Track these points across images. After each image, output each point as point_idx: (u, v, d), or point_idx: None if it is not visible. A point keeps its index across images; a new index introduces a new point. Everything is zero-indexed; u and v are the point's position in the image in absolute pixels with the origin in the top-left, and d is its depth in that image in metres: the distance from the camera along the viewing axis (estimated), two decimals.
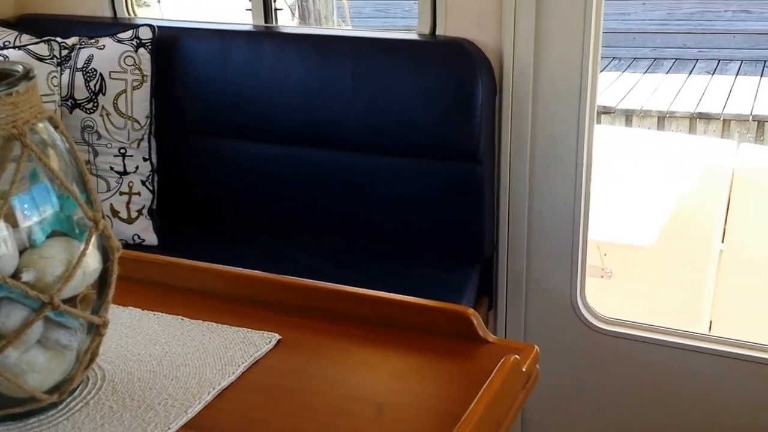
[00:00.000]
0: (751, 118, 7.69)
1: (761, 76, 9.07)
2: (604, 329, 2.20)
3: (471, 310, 1.25)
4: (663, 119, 7.75)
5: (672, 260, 3.46)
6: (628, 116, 8.04)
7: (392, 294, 1.29)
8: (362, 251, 2.27)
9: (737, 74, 9.19)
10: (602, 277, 3.50)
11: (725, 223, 3.47)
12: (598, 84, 2.05)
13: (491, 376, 1.06)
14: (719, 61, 9.75)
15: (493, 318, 2.31)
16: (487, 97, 2.02)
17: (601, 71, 9.75)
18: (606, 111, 8.20)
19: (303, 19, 8.15)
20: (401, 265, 2.19)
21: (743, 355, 2.04)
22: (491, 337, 1.22)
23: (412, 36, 2.13)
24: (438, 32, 2.08)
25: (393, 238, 2.26)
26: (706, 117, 7.78)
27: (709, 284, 3.49)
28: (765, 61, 9.64)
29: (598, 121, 8.27)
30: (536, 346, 1.21)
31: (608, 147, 3.76)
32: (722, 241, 3.49)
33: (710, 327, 3.52)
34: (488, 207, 2.15)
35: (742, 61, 9.71)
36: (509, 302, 2.28)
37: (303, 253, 2.23)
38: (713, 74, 9.23)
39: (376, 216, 2.25)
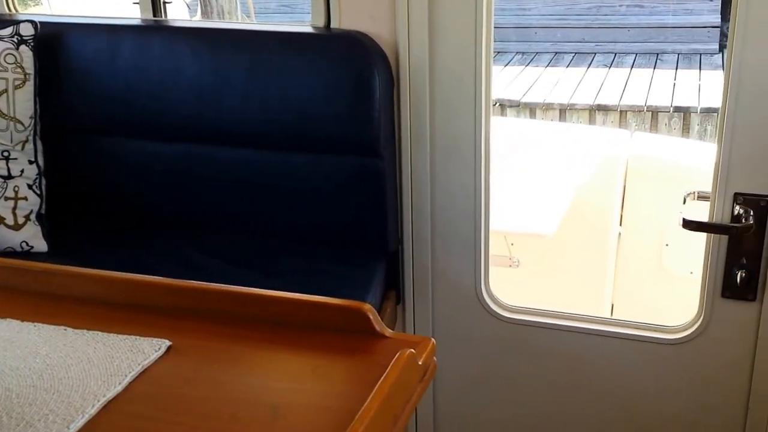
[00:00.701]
0: (645, 108, 7.93)
1: (654, 68, 9.38)
2: (509, 318, 2.21)
3: (367, 306, 1.22)
4: (564, 111, 7.93)
5: (574, 247, 3.52)
6: (532, 109, 8.20)
7: (286, 293, 1.26)
8: (264, 250, 2.22)
9: (632, 67, 9.47)
10: (510, 266, 3.55)
11: (622, 209, 3.55)
12: (492, 75, 2.05)
13: (386, 370, 1.04)
14: (615, 54, 10.04)
15: (401, 312, 2.29)
16: (385, 90, 1.99)
17: (506, 66, 9.96)
18: (511, 104, 8.34)
19: (205, 14, 8.00)
20: (305, 263, 2.15)
21: (645, 336, 2.08)
22: (388, 332, 1.20)
23: (307, 29, 2.10)
24: (333, 25, 2.05)
25: (296, 235, 2.22)
26: (604, 109, 8.00)
27: (609, 268, 3.57)
28: (657, 54, 9.97)
29: (504, 114, 8.39)
30: (432, 339, 1.20)
31: (513, 139, 3.80)
32: (620, 225, 3.57)
33: (612, 310, 3.61)
34: (391, 201, 2.13)
35: (636, 54, 10.03)
36: (416, 295, 2.26)
37: (203, 255, 2.17)
38: (610, 67, 9.49)
39: (277, 214, 2.20)
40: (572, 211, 3.43)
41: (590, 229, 3.54)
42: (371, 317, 1.19)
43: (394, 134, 2.10)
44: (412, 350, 1.08)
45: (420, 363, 1.10)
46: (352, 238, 2.18)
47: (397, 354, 1.06)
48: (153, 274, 2.09)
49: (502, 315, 2.22)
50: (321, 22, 2.07)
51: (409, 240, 2.20)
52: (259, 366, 1.13)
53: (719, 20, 9.93)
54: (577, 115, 8.01)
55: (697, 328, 2.02)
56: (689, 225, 1.91)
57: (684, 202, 2.08)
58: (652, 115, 7.90)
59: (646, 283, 3.54)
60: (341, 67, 1.99)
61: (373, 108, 1.99)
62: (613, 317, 2.14)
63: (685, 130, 7.88)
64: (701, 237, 3.38)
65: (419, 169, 2.13)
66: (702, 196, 2.06)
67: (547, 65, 9.75)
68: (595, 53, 10.13)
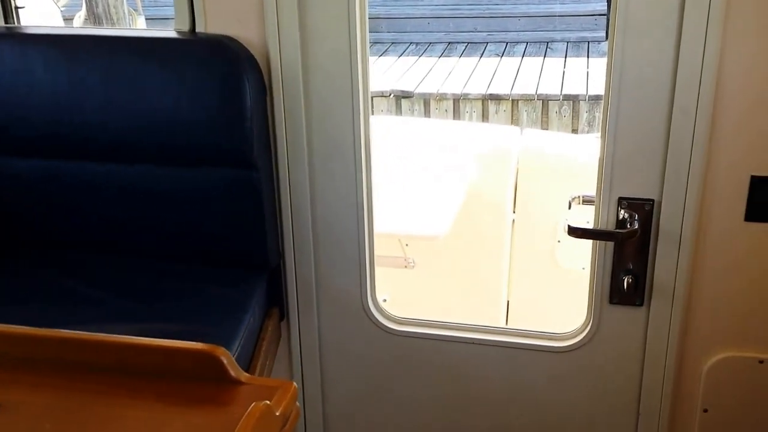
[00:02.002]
0: (536, 97, 8.02)
1: (544, 56, 9.51)
2: (398, 330, 2.13)
3: (220, 350, 1.11)
4: (458, 102, 7.94)
5: (469, 245, 3.48)
6: (426, 100, 8.18)
7: (131, 337, 1.13)
8: (135, 271, 2.07)
9: (523, 56, 9.58)
10: (406, 267, 3.48)
11: (514, 205, 3.53)
12: (370, 76, 1.96)
13: (239, 425, 0.93)
14: (507, 43, 10.13)
15: (285, 329, 2.18)
16: (256, 97, 1.87)
17: (400, 56, 9.90)
18: (405, 95, 8.30)
19: (90, 10, 7.66)
20: (179, 285, 2.01)
21: (536, 345, 2.04)
22: (244, 377, 1.09)
23: (170, 34, 1.95)
24: (198, 29, 1.91)
25: (170, 255, 2.08)
26: (496, 98, 8.05)
27: (504, 266, 3.55)
28: (547, 43, 10.12)
29: (398, 107, 8.30)
30: (294, 384, 1.10)
31: (404, 138, 3.73)
32: (513, 223, 3.55)
33: (507, 307, 3.60)
34: (270, 214, 2.01)
35: (527, 42, 10.15)
36: (301, 311, 2.16)
37: (72, 280, 2.01)
38: (502, 56, 9.57)
39: (149, 232, 2.06)
40: (466, 209, 3.38)
41: (484, 227, 3.50)
42: (225, 362, 1.08)
43: (269, 143, 1.99)
44: (267, 402, 0.97)
45: (278, 413, 0.99)
46: (231, 255, 2.05)
47: (251, 407, 0.95)
48: (18, 305, 1.97)
49: (390, 328, 2.13)
50: (186, 26, 1.93)
51: (291, 254, 2.09)
52: (96, 424, 1.00)
53: (606, 8, 10.13)
54: (470, 105, 8.03)
55: (586, 335, 1.98)
56: (574, 232, 1.86)
57: (569, 207, 2.03)
58: (543, 104, 8.00)
59: (541, 279, 3.54)
60: (207, 74, 1.86)
61: (244, 116, 1.87)
62: (502, 326, 2.08)
63: (575, 117, 8.01)
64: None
65: (298, 178, 2.02)
66: (587, 201, 2.02)
67: (441, 55, 9.77)
68: (487, 43, 10.21)
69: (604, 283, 1.92)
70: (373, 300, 2.13)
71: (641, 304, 1.91)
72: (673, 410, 1.98)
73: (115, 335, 1.13)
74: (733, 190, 1.77)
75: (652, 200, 1.83)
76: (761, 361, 1.88)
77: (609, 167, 1.83)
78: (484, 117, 8.05)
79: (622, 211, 1.85)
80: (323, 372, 2.22)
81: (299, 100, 1.94)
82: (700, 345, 1.91)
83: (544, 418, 2.10)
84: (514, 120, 8.02)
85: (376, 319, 2.13)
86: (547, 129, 7.98)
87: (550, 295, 3.52)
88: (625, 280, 1.89)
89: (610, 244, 1.89)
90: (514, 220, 3.53)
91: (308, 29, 1.88)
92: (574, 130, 7.92)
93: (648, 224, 1.84)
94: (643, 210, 1.84)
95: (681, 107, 1.73)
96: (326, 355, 2.20)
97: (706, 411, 1.95)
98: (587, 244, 3.47)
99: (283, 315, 2.17)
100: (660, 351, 1.93)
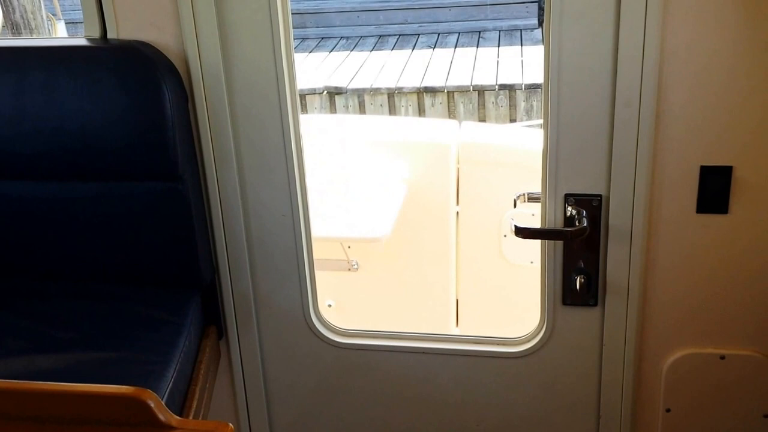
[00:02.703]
0: (471, 88, 7.98)
1: (477, 46, 9.48)
2: (342, 343, 2.03)
3: (147, 393, 0.99)
4: (393, 96, 7.85)
5: (415, 244, 3.40)
6: (360, 96, 8.07)
7: (50, 385, 1.00)
8: (60, 295, 1.93)
9: (456, 46, 9.53)
10: (350, 269, 3.38)
11: (457, 199, 3.46)
12: (298, 74, 1.84)
13: None
14: (439, 34, 10.07)
15: (225, 348, 2.05)
16: (177, 104, 1.74)
17: (330, 51, 9.77)
18: (338, 92, 8.18)
19: (6, 16, 7.36)
20: (109, 307, 1.88)
21: (489, 351, 1.95)
22: (175, 420, 0.97)
23: (81, 41, 1.80)
24: (110, 35, 1.77)
25: (97, 276, 1.94)
26: (432, 90, 7.98)
27: (451, 263, 3.47)
28: (479, 32, 10.09)
29: (332, 104, 8.18)
30: (231, 426, 0.98)
31: (339, 138, 3.62)
32: (457, 219, 3.47)
33: (457, 305, 3.52)
34: (200, 228, 1.89)
35: (459, 33, 10.10)
36: (240, 328, 2.04)
37: None
38: (434, 48, 9.51)
39: (74, 253, 1.92)
40: (407, 207, 3.29)
41: (428, 224, 3.42)
42: (153, 406, 0.97)
43: (193, 152, 1.86)
44: None
45: None
46: (161, 273, 1.92)
47: None
48: None
49: (334, 340, 2.02)
50: (96, 33, 1.78)
51: (225, 268, 1.97)
52: None
53: None
54: (405, 99, 7.95)
55: (540, 339, 1.90)
56: (522, 232, 1.77)
57: (515, 206, 1.95)
58: (479, 95, 7.96)
59: (489, 276, 3.47)
60: (122, 83, 1.72)
61: (165, 125, 1.74)
62: (454, 334, 1.99)
63: (512, 107, 7.98)
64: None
65: (228, 189, 1.89)
66: (533, 198, 1.93)
67: (372, 49, 9.66)
68: (419, 34, 10.14)
69: (556, 284, 1.84)
70: (315, 312, 2.02)
71: (595, 304, 1.84)
72: (634, 412, 1.91)
73: (31, 382, 1.00)
74: (682, 181, 1.71)
75: (600, 196, 1.75)
76: (722, 357, 1.82)
77: (554, 163, 1.75)
78: (420, 110, 7.98)
79: (570, 208, 1.77)
80: (267, 390, 2.10)
81: (223, 104, 1.82)
82: (658, 343, 1.84)
83: (502, 426, 2.01)
84: (451, 112, 7.97)
85: (320, 332, 2.02)
86: (484, 120, 7.95)
87: (499, 291, 3.45)
88: (578, 279, 1.81)
89: (560, 244, 1.81)
90: (458, 215, 3.45)
91: (228, 29, 1.75)
92: (512, 120, 7.90)
93: (597, 221, 1.77)
94: (591, 206, 1.76)
95: (624, 99, 1.66)
96: (270, 373, 2.08)
97: (668, 411, 1.89)
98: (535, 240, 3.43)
99: (222, 333, 2.04)
100: (618, 351, 1.86)
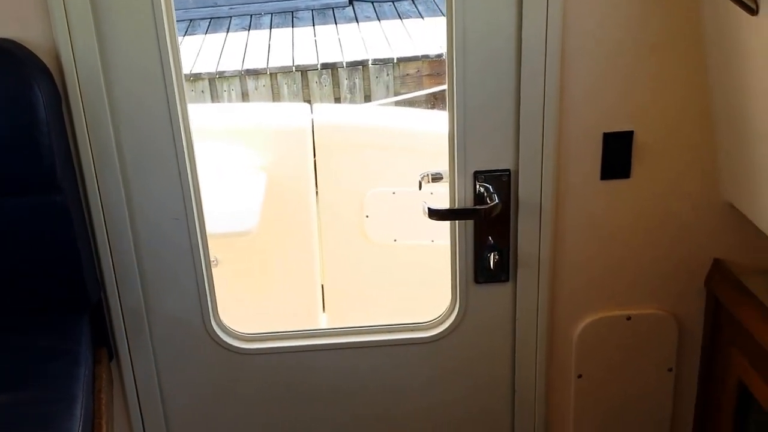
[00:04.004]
0: (294, 68, 7.87)
1: (292, 26, 9.36)
2: (248, 348, 1.91)
3: None
4: (214, 81, 7.59)
5: (277, 233, 3.29)
6: None
7: None
8: None
9: (270, 27, 9.36)
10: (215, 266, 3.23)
11: (316, 184, 3.38)
12: (182, 67, 1.70)
13: None
14: (251, 16, 9.85)
15: (116, 370, 1.88)
16: (51, 107, 1.56)
17: None
18: None
19: None
20: None
21: (402, 339, 1.90)
22: None
23: None
24: None
25: None
26: (254, 73, 7.79)
27: (315, 247, 3.39)
28: (293, 12, 9.97)
29: None
30: None
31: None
32: (317, 202, 3.40)
33: (323, 291, 3.46)
34: (83, 241, 1.70)
35: (272, 13, 9.93)
36: (132, 347, 1.87)
37: None
38: (249, 30, 9.29)
39: None
40: (268, 196, 3.17)
41: (289, 212, 3.32)
42: None
43: (71, 159, 1.67)
44: None
45: None
46: (45, 295, 1.73)
47: None
48: None
49: (239, 347, 1.91)
50: None
51: (112, 284, 1.80)
52: None
53: None
54: (227, 83, 7.72)
55: (454, 320, 1.87)
56: (435, 215, 1.73)
57: (420, 188, 1.90)
58: (302, 75, 7.87)
59: (353, 258, 3.42)
60: None
61: (39, 131, 1.55)
62: (367, 325, 1.91)
63: (336, 86, 7.95)
64: (400, 207, 3.35)
65: (111, 196, 1.72)
66: (436, 178, 1.90)
67: (185, 34, 9.29)
68: (231, 17, 9.87)
69: (468, 265, 1.82)
70: (216, 320, 1.89)
71: (507, 280, 1.83)
72: (548, 382, 1.93)
73: None
74: (587, 150, 1.72)
75: (509, 170, 1.74)
76: (629, 318, 1.87)
77: (461, 141, 1.71)
78: (243, 95, 7.78)
79: (479, 186, 1.75)
80: (167, 411, 1.95)
81: (102, 104, 1.64)
82: (568, 311, 1.87)
83: (419, 410, 1.97)
84: (275, 94, 7.83)
85: (223, 341, 1.89)
86: (309, 100, 7.86)
87: (364, 272, 3.42)
88: (491, 257, 1.79)
89: (470, 222, 1.78)
90: (318, 199, 3.37)
91: (104, 26, 1.58)
92: (337, 99, 7.87)
93: (507, 196, 1.75)
94: (500, 182, 1.74)
95: (529, 72, 1.65)
96: (169, 392, 1.93)
97: (580, 377, 1.92)
98: (396, 216, 3.42)
99: (112, 355, 1.87)
100: (530, 323, 1.86)
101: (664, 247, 1.82)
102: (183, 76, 1.69)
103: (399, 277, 3.37)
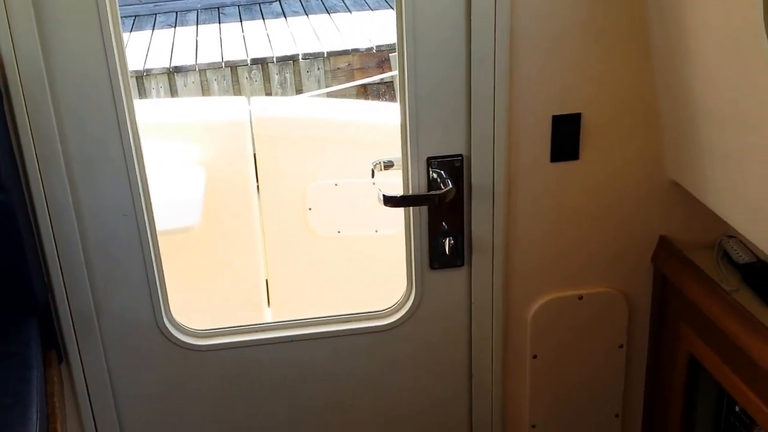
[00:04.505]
0: (223, 64, 7.78)
1: (219, 23, 9.24)
2: (202, 345, 1.88)
3: None
4: (142, 79, 7.45)
5: (218, 230, 3.25)
6: None
7: None
8: None
9: (197, 24, 9.22)
10: None
11: (257, 178, 3.35)
12: (127, 61, 1.66)
13: None
14: (177, 12, 9.69)
15: (66, 373, 1.83)
16: None
17: None
18: None
19: None
20: None
21: (361, 328, 1.89)
22: None
23: None
24: None
25: None
26: (182, 70, 7.68)
27: (258, 242, 3.36)
28: (219, 8, 9.84)
29: None
30: None
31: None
32: (258, 196, 3.36)
33: (267, 285, 3.43)
34: (28, 241, 1.65)
35: (198, 10, 9.78)
36: (82, 349, 1.82)
37: None
38: (175, 27, 9.14)
39: None
40: (209, 192, 3.13)
41: (230, 208, 3.28)
42: None
43: (13, 157, 1.62)
44: None
45: None
46: None
47: None
48: None
49: (193, 344, 1.88)
50: None
51: (60, 284, 1.75)
52: None
53: None
54: (155, 81, 7.59)
55: (410, 308, 1.88)
56: (390, 201, 1.73)
57: (373, 175, 1.90)
58: (232, 71, 7.78)
59: (297, 251, 3.40)
60: None
61: None
62: (322, 316, 1.90)
63: (266, 81, 7.89)
64: (343, 198, 3.34)
65: (56, 193, 1.68)
66: (388, 165, 1.90)
67: None
68: (156, 14, 9.70)
69: (423, 251, 1.83)
70: (168, 317, 1.85)
71: (462, 264, 1.85)
72: (504, 363, 1.95)
73: None
74: (537, 133, 1.75)
75: (461, 156, 1.75)
76: (581, 297, 1.90)
77: (414, 128, 1.72)
78: (172, 92, 7.66)
79: (432, 171, 1.75)
80: (120, 411, 1.90)
81: (45, 100, 1.60)
82: (522, 293, 1.89)
83: (378, 398, 1.97)
84: (205, 90, 7.72)
85: (176, 338, 1.86)
86: (240, 95, 7.78)
87: (308, 265, 3.40)
88: (446, 242, 1.80)
89: (425, 208, 1.79)
90: (259, 194, 3.34)
91: (45, 17, 1.53)
92: (268, 94, 7.80)
93: (460, 181, 1.76)
94: (453, 167, 1.76)
95: (479, 56, 1.66)
96: (122, 391, 1.89)
97: (535, 357, 1.95)
98: (339, 208, 3.41)
99: (62, 357, 1.82)
100: (486, 307, 1.88)
101: (612, 227, 1.85)
102: (128, 71, 1.65)
103: (344, 269, 3.36)
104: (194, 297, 3.26)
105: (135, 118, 1.68)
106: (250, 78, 7.78)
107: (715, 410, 1.88)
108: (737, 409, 1.77)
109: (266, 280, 3.46)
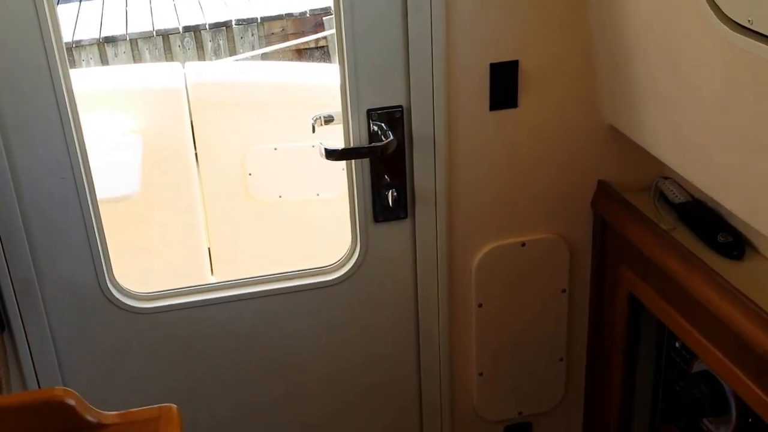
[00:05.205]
0: (154, 33, 7.62)
1: None
2: (148, 308, 1.86)
3: (59, 391, 0.83)
4: (71, 50, 7.25)
5: (158, 198, 3.20)
6: None
7: None
8: None
9: None
10: None
11: (195, 145, 3.30)
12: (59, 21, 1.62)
13: None
14: None
15: (9, 341, 1.80)
16: None
17: None
18: None
19: None
20: None
21: (308, 284, 1.89)
22: (108, 417, 0.83)
23: None
24: None
25: None
26: (113, 41, 7.50)
27: (198, 210, 3.33)
28: None
29: None
30: (175, 407, 0.85)
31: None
32: (197, 163, 3.32)
33: (210, 253, 3.40)
34: None
35: None
36: (25, 315, 1.79)
37: None
38: None
39: None
40: (148, 161, 3.08)
41: (169, 175, 3.23)
42: (74, 404, 0.81)
43: None
44: None
45: None
46: None
47: None
48: None
49: (138, 307, 1.85)
50: None
51: None
52: None
53: None
54: (85, 53, 7.40)
55: (356, 262, 1.88)
56: (332, 155, 1.73)
57: (313, 130, 1.89)
58: (164, 39, 7.63)
59: (238, 217, 3.38)
60: None
61: None
62: (267, 275, 1.90)
63: (200, 48, 7.76)
64: (283, 163, 3.32)
65: None
66: (328, 120, 1.89)
67: None
68: None
69: (366, 204, 1.83)
70: (111, 280, 1.83)
71: (406, 216, 1.86)
72: (450, 313, 1.97)
73: None
74: (475, 82, 1.76)
75: (401, 107, 1.75)
76: (523, 244, 1.93)
77: (353, 80, 1.71)
78: (103, 63, 7.48)
79: (373, 124, 1.75)
80: (65, 377, 1.87)
81: None
82: (466, 242, 1.91)
83: (326, 353, 1.98)
84: (136, 60, 7.56)
85: (120, 302, 1.84)
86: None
87: (250, 231, 3.38)
88: (389, 195, 1.81)
89: (367, 161, 1.79)
90: (198, 160, 3.30)
91: None
92: (201, 61, 7.67)
93: (401, 133, 1.77)
94: (393, 119, 1.76)
95: (415, 4, 1.66)
96: (66, 357, 1.86)
97: (480, 306, 1.97)
98: (278, 171, 3.38)
99: (4, 325, 1.78)
100: (430, 258, 1.90)
101: (552, 173, 1.88)
102: (60, 28, 1.61)
103: (287, 233, 3.35)
104: (137, 266, 3.22)
105: (70, 81, 1.64)
106: (183, 46, 7.64)
107: (656, 348, 1.94)
108: (677, 344, 1.82)
109: (209, 249, 3.44)
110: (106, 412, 0.82)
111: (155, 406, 0.92)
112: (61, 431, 0.79)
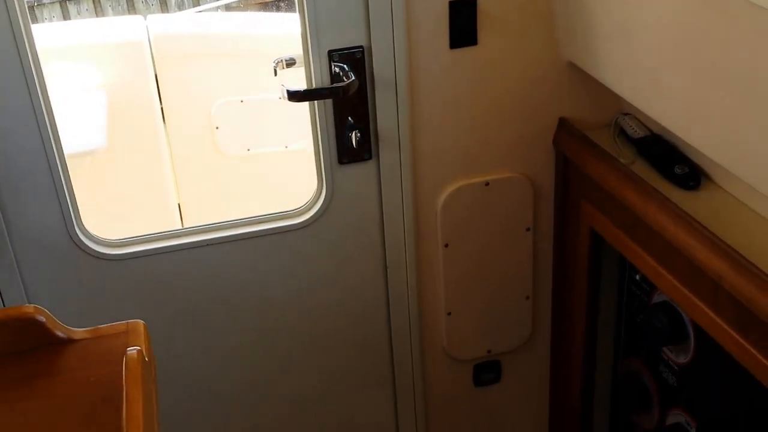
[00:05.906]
0: None
1: None
2: (119, 254, 1.87)
3: (31, 308, 0.85)
4: (33, 9, 7.13)
5: (122, 150, 3.18)
6: None
7: None
8: None
9: None
10: None
11: (160, 99, 3.28)
12: None
13: (124, 398, 0.71)
14: None
15: None
16: None
17: None
18: None
19: None
20: None
21: (275, 228, 1.90)
22: (78, 333, 0.85)
23: None
24: None
25: None
26: None
27: (166, 164, 3.32)
28: None
29: None
30: (142, 322, 0.88)
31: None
32: (163, 118, 3.30)
33: (180, 209, 3.40)
34: None
35: None
36: None
37: None
38: None
39: None
40: (113, 116, 3.06)
41: (135, 130, 3.21)
42: (44, 320, 0.83)
43: None
44: (137, 348, 0.76)
45: (147, 359, 0.78)
46: None
47: (124, 363, 0.73)
48: None
49: (108, 254, 1.86)
50: None
51: None
52: None
53: None
54: (48, 11, 7.28)
55: (322, 204, 1.90)
56: (294, 96, 1.73)
57: (275, 74, 1.89)
58: None
59: (206, 170, 3.37)
60: None
61: None
62: (234, 219, 1.91)
63: (163, 3, 7.67)
64: (250, 115, 3.31)
65: None
66: (290, 63, 1.89)
67: None
68: None
69: (331, 146, 1.84)
70: (79, 227, 1.83)
71: (370, 158, 1.87)
72: (417, 253, 2.00)
73: None
74: (435, 20, 1.77)
75: (362, 47, 1.76)
76: (487, 183, 1.95)
77: (312, 20, 1.72)
78: (66, 20, 7.37)
79: (334, 65, 1.76)
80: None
81: None
82: (430, 183, 1.93)
83: (295, 295, 2.01)
84: (99, 17, 7.46)
85: (91, 249, 1.84)
86: None
87: (219, 185, 3.38)
88: (353, 136, 1.82)
89: (329, 103, 1.80)
90: (164, 114, 3.28)
91: None
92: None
93: (362, 73, 1.78)
94: (354, 60, 1.77)
95: None
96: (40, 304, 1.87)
97: (447, 246, 2.00)
98: (246, 126, 3.37)
99: None
100: (396, 199, 1.92)
101: (514, 112, 1.90)
102: None
103: (256, 186, 3.35)
104: (106, 220, 3.22)
105: (31, 31, 1.63)
106: (146, 2, 7.54)
107: (618, 283, 1.99)
108: (637, 277, 1.87)
109: (179, 204, 3.43)
110: (75, 329, 0.84)
111: (123, 321, 0.94)
112: (32, 347, 0.81)
